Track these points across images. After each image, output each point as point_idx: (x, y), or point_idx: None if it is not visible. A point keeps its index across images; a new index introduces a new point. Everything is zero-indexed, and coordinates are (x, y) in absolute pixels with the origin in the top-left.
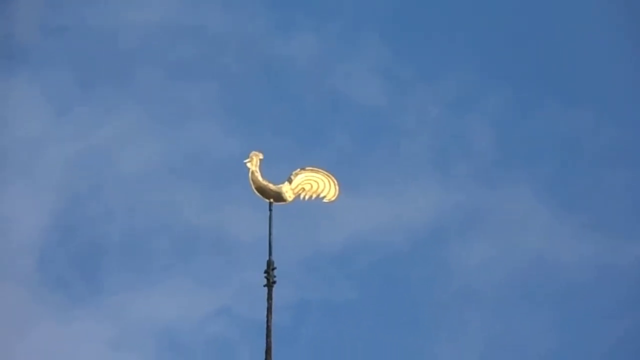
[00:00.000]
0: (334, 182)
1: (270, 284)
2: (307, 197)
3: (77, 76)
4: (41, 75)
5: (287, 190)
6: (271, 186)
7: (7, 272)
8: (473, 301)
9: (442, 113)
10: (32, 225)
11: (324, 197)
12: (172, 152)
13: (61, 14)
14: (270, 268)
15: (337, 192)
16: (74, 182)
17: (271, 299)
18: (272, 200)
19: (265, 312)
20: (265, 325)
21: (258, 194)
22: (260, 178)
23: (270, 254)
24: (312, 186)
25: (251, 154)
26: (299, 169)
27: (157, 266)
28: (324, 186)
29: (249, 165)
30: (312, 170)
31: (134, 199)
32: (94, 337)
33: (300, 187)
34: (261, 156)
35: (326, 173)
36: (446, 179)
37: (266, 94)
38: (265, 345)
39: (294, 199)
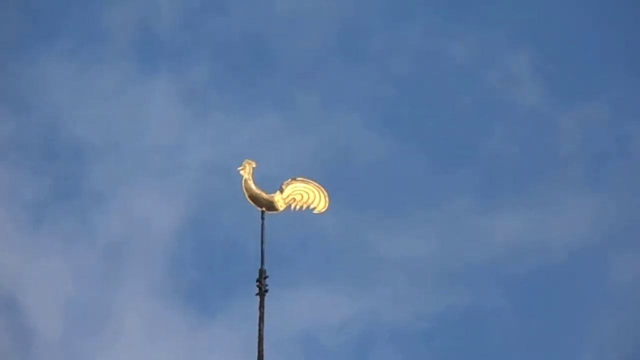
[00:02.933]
0: (324, 193)
1: (262, 293)
2: (297, 208)
3: (216, 77)
4: (180, 75)
5: (279, 200)
6: (264, 195)
7: (140, 276)
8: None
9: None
10: (167, 229)
11: (314, 208)
12: (311, 156)
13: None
14: (262, 277)
15: (327, 204)
16: (210, 187)
17: (263, 308)
18: (264, 209)
19: (258, 323)
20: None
21: (251, 202)
22: (253, 186)
23: (262, 263)
24: (302, 197)
25: (244, 162)
26: (290, 179)
27: (293, 272)
28: (314, 197)
29: (242, 173)
30: (302, 181)
31: None
32: (229, 345)
33: (290, 197)
34: (254, 164)
35: (317, 184)
36: (603, 186)
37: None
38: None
39: (285, 209)
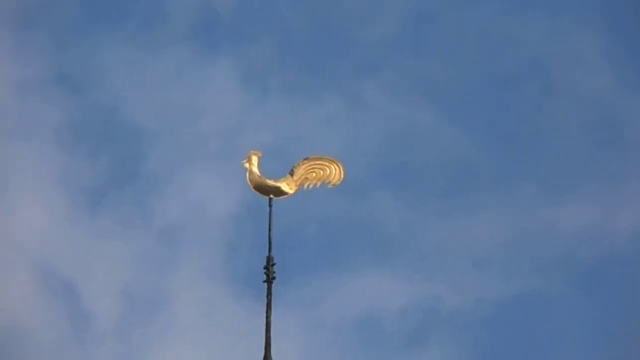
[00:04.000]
0: (338, 166)
1: (269, 280)
2: (311, 186)
3: (277, 60)
4: (241, 58)
5: (289, 183)
6: (269, 182)
7: (197, 260)
8: None
9: None
10: (224, 213)
11: (329, 182)
12: (372, 141)
13: None
14: (269, 264)
15: (342, 175)
16: (267, 170)
17: (270, 295)
18: (271, 195)
19: (266, 310)
20: None
21: (257, 192)
22: (257, 176)
23: (270, 250)
24: (316, 174)
25: (249, 153)
26: (301, 160)
27: (353, 256)
28: (330, 171)
29: (246, 165)
30: (315, 158)
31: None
32: (292, 327)
33: (303, 177)
34: (260, 154)
35: (329, 158)
36: None
37: None
38: (265, 341)
39: (297, 191)
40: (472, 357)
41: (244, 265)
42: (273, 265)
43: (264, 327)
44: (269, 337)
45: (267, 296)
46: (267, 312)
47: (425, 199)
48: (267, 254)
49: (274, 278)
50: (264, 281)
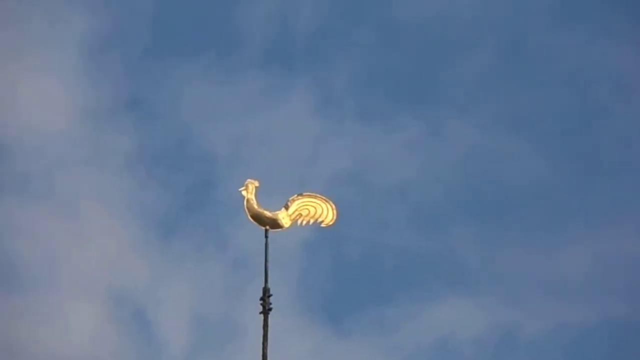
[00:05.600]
0: (331, 206)
1: (266, 311)
2: (304, 223)
3: (354, 85)
4: (317, 84)
5: (284, 217)
6: (267, 213)
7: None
8: None
9: None
10: (298, 241)
11: (322, 221)
12: (451, 167)
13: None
14: (265, 295)
15: (334, 217)
16: (341, 198)
17: (267, 326)
18: (268, 227)
19: (262, 341)
20: None
21: (254, 221)
22: (255, 206)
23: (266, 281)
24: (309, 211)
25: (246, 182)
26: (295, 195)
27: (431, 287)
28: (322, 210)
29: (243, 193)
30: (309, 195)
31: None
32: (370, 354)
33: (297, 212)
34: (257, 184)
35: (323, 197)
36: None
37: None
38: None
39: (291, 225)
40: None
41: (317, 295)
42: (269, 296)
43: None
44: None
45: (264, 327)
46: (263, 344)
47: (504, 227)
48: (263, 286)
49: (270, 309)
50: (260, 312)
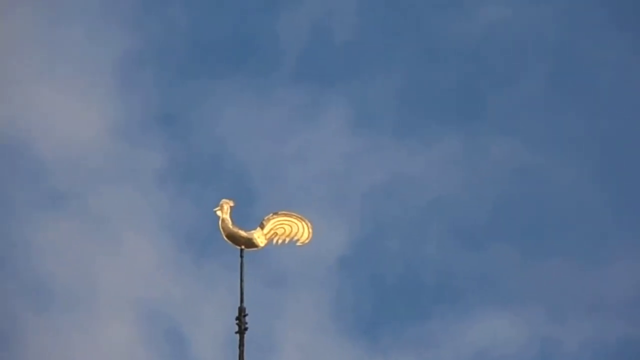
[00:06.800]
0: (307, 224)
1: (241, 331)
2: (280, 242)
3: (391, 100)
4: (353, 99)
5: (259, 236)
6: (242, 233)
7: (306, 306)
8: None
9: None
10: (333, 258)
11: (297, 240)
12: (489, 182)
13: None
14: (241, 315)
15: (310, 235)
16: (376, 214)
17: (243, 346)
18: (243, 246)
19: None
20: None
21: (229, 241)
22: (230, 225)
23: (242, 301)
24: (285, 230)
25: (221, 202)
26: (271, 214)
27: (472, 301)
28: (297, 229)
29: (218, 213)
30: (284, 214)
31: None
32: None
33: (272, 231)
34: (232, 203)
35: (299, 216)
36: None
37: None
38: None
39: (266, 244)
40: None
41: (352, 312)
42: (245, 316)
43: None
44: None
45: (240, 347)
46: None
47: (544, 244)
48: (238, 305)
49: (246, 329)
50: (236, 332)
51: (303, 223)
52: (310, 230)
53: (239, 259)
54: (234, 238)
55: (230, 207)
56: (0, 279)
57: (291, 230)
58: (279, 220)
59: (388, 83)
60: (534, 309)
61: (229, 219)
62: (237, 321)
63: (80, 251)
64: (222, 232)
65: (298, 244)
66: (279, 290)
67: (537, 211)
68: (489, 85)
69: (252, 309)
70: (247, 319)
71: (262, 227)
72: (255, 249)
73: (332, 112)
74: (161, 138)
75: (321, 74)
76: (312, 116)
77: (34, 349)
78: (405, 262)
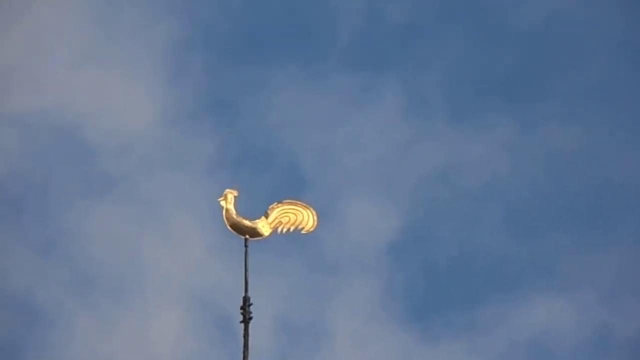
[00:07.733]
0: (312, 212)
1: (246, 321)
2: (285, 230)
3: (445, 86)
4: (407, 86)
5: (264, 225)
6: (246, 222)
7: (356, 292)
8: None
9: None
10: (385, 245)
11: (302, 228)
12: (543, 169)
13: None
14: (246, 304)
15: (315, 223)
16: (430, 200)
17: (247, 335)
18: (247, 236)
19: (243, 350)
20: None
21: (233, 231)
22: (234, 215)
23: (246, 290)
24: (289, 218)
25: (225, 192)
26: (275, 203)
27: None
28: (302, 217)
29: (222, 203)
30: (289, 202)
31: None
32: (462, 353)
33: (277, 220)
34: (236, 193)
35: (304, 204)
36: None
37: None
38: None
39: (271, 233)
40: None
41: (403, 298)
42: (249, 305)
43: None
44: None
45: (244, 336)
46: (244, 353)
47: (599, 229)
48: (243, 295)
49: (250, 318)
50: (241, 322)
51: (308, 211)
52: (316, 218)
53: (244, 248)
54: (238, 228)
55: (234, 196)
56: (49, 265)
57: (296, 219)
58: (283, 209)
59: (442, 67)
60: (588, 294)
61: (233, 208)
62: (242, 310)
63: (130, 238)
64: (226, 222)
65: (303, 232)
66: (330, 278)
67: (593, 197)
68: (546, 70)
69: (303, 296)
70: (251, 308)
71: (266, 216)
72: (259, 238)
73: (385, 99)
74: (212, 125)
75: (374, 60)
76: (364, 102)
77: (82, 336)
78: (458, 248)
